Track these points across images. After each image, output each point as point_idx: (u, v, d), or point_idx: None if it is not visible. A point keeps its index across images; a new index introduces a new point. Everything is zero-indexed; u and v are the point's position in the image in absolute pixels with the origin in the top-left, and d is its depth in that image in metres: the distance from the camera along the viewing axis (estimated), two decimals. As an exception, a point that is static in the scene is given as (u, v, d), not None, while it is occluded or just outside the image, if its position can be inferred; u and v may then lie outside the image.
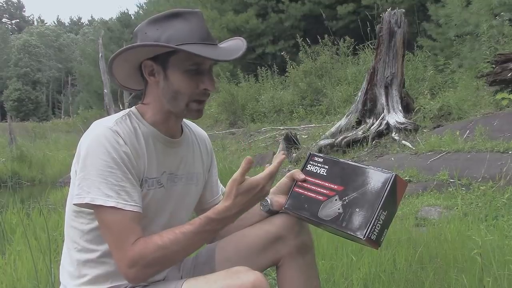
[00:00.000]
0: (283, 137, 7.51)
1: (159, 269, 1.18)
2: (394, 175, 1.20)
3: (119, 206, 1.15)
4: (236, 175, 1.15)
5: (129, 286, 1.29)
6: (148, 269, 1.15)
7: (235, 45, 1.30)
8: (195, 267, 1.41)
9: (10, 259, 2.59)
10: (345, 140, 7.11)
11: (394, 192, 1.19)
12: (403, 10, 7.41)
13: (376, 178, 1.21)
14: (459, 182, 4.35)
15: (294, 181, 1.37)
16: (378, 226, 1.17)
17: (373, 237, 1.16)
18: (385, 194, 1.18)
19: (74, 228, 1.30)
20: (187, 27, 1.24)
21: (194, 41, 1.22)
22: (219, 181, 1.56)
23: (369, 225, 1.16)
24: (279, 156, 1.24)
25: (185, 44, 1.21)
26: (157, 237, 1.16)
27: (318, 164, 1.34)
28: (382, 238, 1.19)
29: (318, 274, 1.42)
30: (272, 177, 1.20)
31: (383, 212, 1.17)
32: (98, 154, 1.17)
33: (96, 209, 1.17)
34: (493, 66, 7.10)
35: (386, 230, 1.19)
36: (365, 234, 1.15)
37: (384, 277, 2.15)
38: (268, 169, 1.20)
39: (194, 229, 1.15)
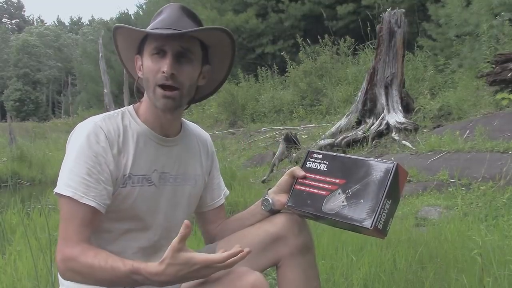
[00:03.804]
0: (283, 137, 7.50)
1: (82, 281, 1.17)
2: (396, 164, 1.20)
3: (75, 197, 1.17)
4: (174, 241, 1.08)
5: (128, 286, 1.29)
6: (74, 274, 1.16)
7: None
8: (195, 267, 1.41)
9: (10, 259, 2.59)
10: (345, 140, 7.11)
11: (396, 181, 1.20)
12: (403, 10, 7.42)
13: (378, 168, 1.22)
14: (459, 182, 4.35)
15: (294, 178, 1.37)
16: (384, 215, 1.17)
17: (380, 226, 1.17)
18: (389, 183, 1.18)
19: None
20: (159, 18, 1.30)
21: (156, 27, 1.26)
22: (222, 185, 1.54)
23: (375, 214, 1.16)
24: (236, 248, 1.09)
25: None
26: (93, 253, 1.15)
27: (318, 161, 1.34)
28: (388, 227, 1.19)
29: (318, 274, 1.41)
30: (210, 266, 1.08)
31: (387, 201, 1.18)
32: (74, 147, 1.23)
33: (58, 198, 1.21)
34: (493, 66, 7.10)
35: (391, 219, 1.20)
36: (372, 223, 1.16)
37: (384, 277, 2.15)
38: (209, 256, 1.09)
39: (122, 271, 1.11)
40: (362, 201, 1.20)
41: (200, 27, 1.28)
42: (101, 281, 1.15)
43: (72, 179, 1.19)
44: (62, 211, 1.20)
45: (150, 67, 1.25)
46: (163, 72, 1.22)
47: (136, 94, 1.38)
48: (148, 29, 1.29)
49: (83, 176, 1.19)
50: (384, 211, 1.17)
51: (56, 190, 1.20)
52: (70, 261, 1.15)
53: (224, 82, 1.46)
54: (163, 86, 1.23)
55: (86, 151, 1.21)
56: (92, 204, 1.19)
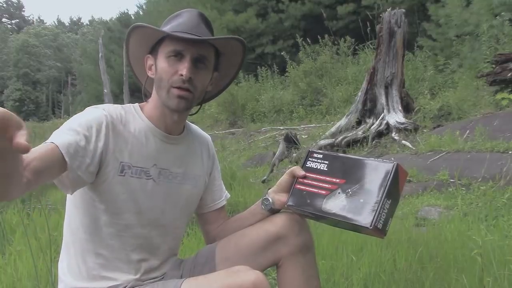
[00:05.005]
0: (283, 137, 7.51)
1: None
2: (396, 164, 1.21)
3: (53, 140, 1.12)
4: None
5: (128, 286, 1.29)
6: None
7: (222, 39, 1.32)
8: (195, 266, 1.41)
9: (10, 259, 2.59)
10: (345, 140, 7.11)
11: (396, 181, 1.20)
12: (403, 10, 7.41)
13: (378, 168, 1.22)
14: (459, 182, 4.35)
15: (294, 178, 1.37)
16: (383, 215, 1.17)
17: (379, 225, 1.17)
18: (389, 182, 1.19)
19: (72, 220, 1.32)
20: (178, 21, 1.30)
21: (176, 31, 1.26)
22: (223, 187, 1.55)
23: (375, 214, 1.16)
24: None
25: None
26: None
27: (318, 160, 1.35)
28: (388, 227, 1.20)
29: (318, 274, 1.42)
30: None
31: (387, 201, 1.18)
32: (73, 117, 1.23)
33: None
34: (493, 66, 7.11)
35: (390, 219, 1.20)
36: (371, 222, 1.16)
37: (384, 277, 2.15)
38: None
39: None
40: (362, 200, 1.20)
41: (224, 36, 1.30)
42: None
43: (61, 131, 1.17)
44: None
45: (166, 69, 1.26)
46: (181, 75, 1.24)
47: (143, 93, 1.39)
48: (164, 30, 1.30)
49: (72, 128, 1.17)
50: (384, 211, 1.17)
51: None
52: None
53: (226, 89, 1.50)
54: (179, 88, 1.26)
55: (84, 118, 1.22)
56: (58, 144, 1.11)
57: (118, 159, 1.24)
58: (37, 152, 1.06)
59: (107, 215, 1.28)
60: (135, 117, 1.32)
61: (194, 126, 1.50)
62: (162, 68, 1.27)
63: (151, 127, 1.32)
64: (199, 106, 1.42)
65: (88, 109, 1.28)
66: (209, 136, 1.54)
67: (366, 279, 2.16)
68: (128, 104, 1.36)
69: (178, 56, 1.26)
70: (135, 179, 1.28)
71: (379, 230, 1.17)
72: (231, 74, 1.45)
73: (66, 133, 1.16)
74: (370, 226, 1.16)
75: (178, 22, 1.30)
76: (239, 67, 1.44)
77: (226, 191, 1.55)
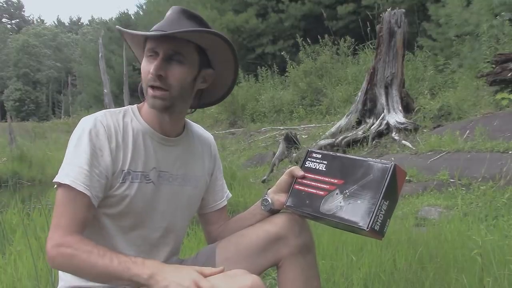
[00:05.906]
0: (283, 137, 7.51)
1: (70, 268, 1.19)
2: (393, 165, 1.19)
3: (73, 185, 1.19)
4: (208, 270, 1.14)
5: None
6: (64, 260, 1.16)
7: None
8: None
9: (10, 259, 2.59)
10: (345, 140, 7.12)
11: (394, 182, 1.19)
12: (403, 10, 7.42)
13: (376, 169, 1.21)
14: (459, 182, 4.35)
15: (293, 178, 1.36)
16: (380, 216, 1.16)
17: (376, 227, 1.16)
18: (386, 184, 1.17)
19: None
20: (160, 21, 1.31)
21: (154, 30, 1.27)
22: (225, 187, 1.54)
23: (372, 215, 1.15)
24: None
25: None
26: (92, 243, 1.17)
27: (317, 160, 1.34)
28: (385, 229, 1.18)
29: (319, 274, 1.41)
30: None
31: (384, 202, 1.17)
32: (74, 140, 1.25)
33: (56, 188, 1.23)
34: (493, 66, 7.11)
35: (388, 220, 1.19)
36: (368, 224, 1.15)
37: (384, 277, 2.15)
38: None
39: (114, 266, 1.13)
40: (359, 202, 1.19)
41: (186, 30, 1.24)
42: (91, 269, 1.14)
43: (72, 169, 1.21)
44: (58, 199, 1.21)
45: (144, 68, 1.27)
46: (150, 73, 1.24)
47: (139, 94, 1.39)
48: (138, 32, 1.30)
49: (81, 166, 1.21)
50: (381, 212, 1.16)
51: (55, 179, 1.21)
52: (63, 248, 1.15)
53: (233, 87, 1.44)
54: (152, 87, 1.25)
55: (85, 144, 1.22)
56: (87, 193, 1.20)
57: (120, 168, 1.26)
58: (81, 212, 1.21)
59: (108, 218, 1.28)
60: (133, 120, 1.32)
61: (196, 126, 1.49)
62: (142, 67, 1.28)
63: (148, 130, 1.32)
64: (207, 107, 1.41)
65: (86, 125, 1.25)
66: (211, 136, 1.54)
67: (366, 279, 2.16)
68: (127, 107, 1.36)
69: (154, 55, 1.25)
70: (136, 184, 1.28)
71: (376, 232, 1.16)
72: (229, 71, 1.38)
73: (85, 175, 1.20)
74: (367, 228, 1.15)
75: (160, 22, 1.30)
76: (234, 62, 1.36)
77: (228, 191, 1.55)
